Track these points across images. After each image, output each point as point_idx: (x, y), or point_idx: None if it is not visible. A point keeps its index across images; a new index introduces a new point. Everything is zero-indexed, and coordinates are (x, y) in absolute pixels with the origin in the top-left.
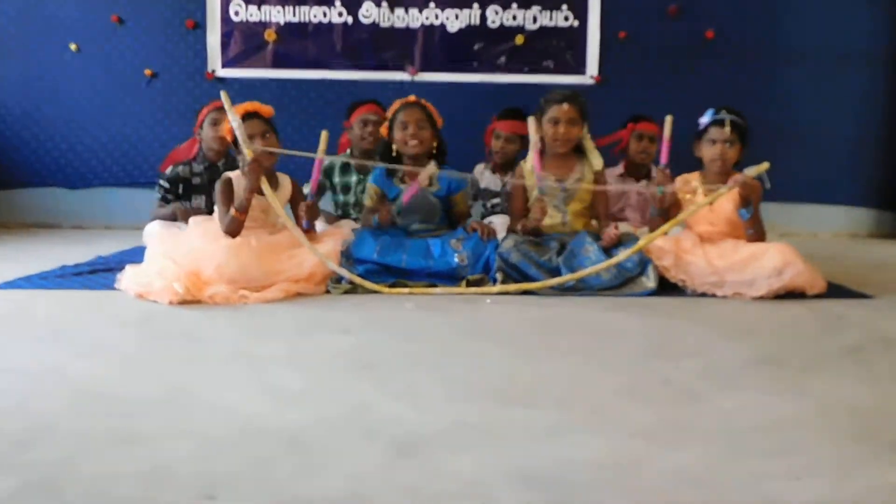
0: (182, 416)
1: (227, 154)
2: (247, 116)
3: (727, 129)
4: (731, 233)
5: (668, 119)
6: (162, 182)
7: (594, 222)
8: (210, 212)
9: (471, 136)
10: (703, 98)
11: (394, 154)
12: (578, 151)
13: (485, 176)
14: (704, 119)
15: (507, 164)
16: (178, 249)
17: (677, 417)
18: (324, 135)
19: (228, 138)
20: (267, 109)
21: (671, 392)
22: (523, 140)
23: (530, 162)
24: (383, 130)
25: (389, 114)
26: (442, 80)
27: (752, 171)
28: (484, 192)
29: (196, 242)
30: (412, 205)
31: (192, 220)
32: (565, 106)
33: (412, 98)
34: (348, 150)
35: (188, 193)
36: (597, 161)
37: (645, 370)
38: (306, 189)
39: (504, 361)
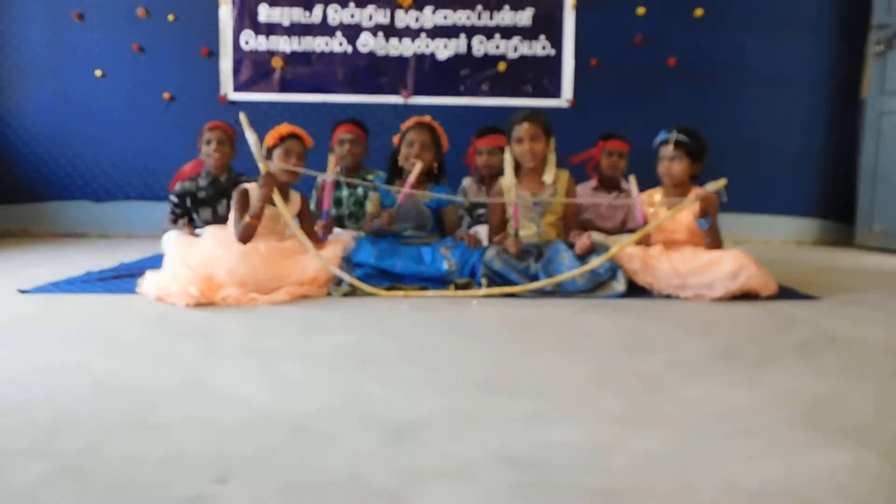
0: (197, 406)
1: (230, 169)
2: (291, 136)
3: (670, 146)
4: (691, 240)
5: (633, 179)
6: (171, 198)
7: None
8: (217, 223)
9: (459, 154)
10: (666, 119)
11: (399, 165)
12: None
13: (471, 189)
14: (657, 139)
15: (494, 176)
16: (194, 256)
17: (645, 405)
18: (331, 158)
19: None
20: (309, 139)
21: (640, 383)
22: (502, 152)
23: (508, 179)
24: (395, 140)
25: (404, 127)
26: (432, 103)
27: (711, 186)
28: (471, 204)
29: (210, 249)
30: (407, 210)
31: (206, 228)
32: (525, 125)
33: (426, 119)
34: (337, 168)
35: (195, 206)
36: (548, 175)
37: (616, 363)
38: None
39: (489, 356)
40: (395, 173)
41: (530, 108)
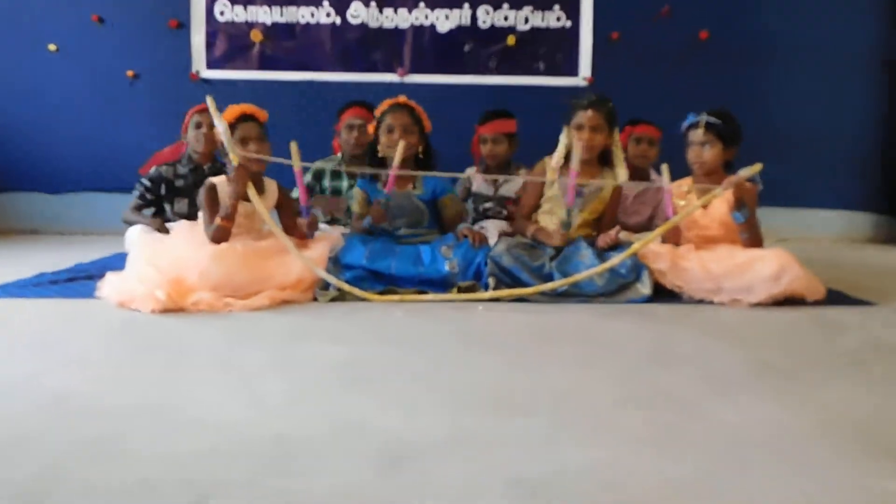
0: (165, 428)
1: (215, 157)
2: (243, 119)
3: (700, 130)
4: (726, 237)
5: (665, 169)
6: (143, 181)
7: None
8: (192, 217)
9: (461, 140)
10: (698, 99)
11: (379, 156)
12: (604, 162)
13: (476, 179)
14: (685, 123)
15: (501, 167)
16: (161, 256)
17: (673, 426)
18: (293, 146)
19: (217, 143)
20: (262, 114)
21: (667, 400)
22: (511, 140)
23: (556, 159)
24: (371, 129)
25: (377, 114)
26: (432, 81)
27: (744, 173)
28: (476, 197)
29: (179, 248)
30: (398, 204)
31: (175, 224)
32: (590, 112)
33: (401, 99)
34: (340, 155)
35: (170, 196)
36: (622, 173)
37: (641, 378)
38: (295, 194)
39: (497, 370)
40: (377, 167)
41: (595, 92)
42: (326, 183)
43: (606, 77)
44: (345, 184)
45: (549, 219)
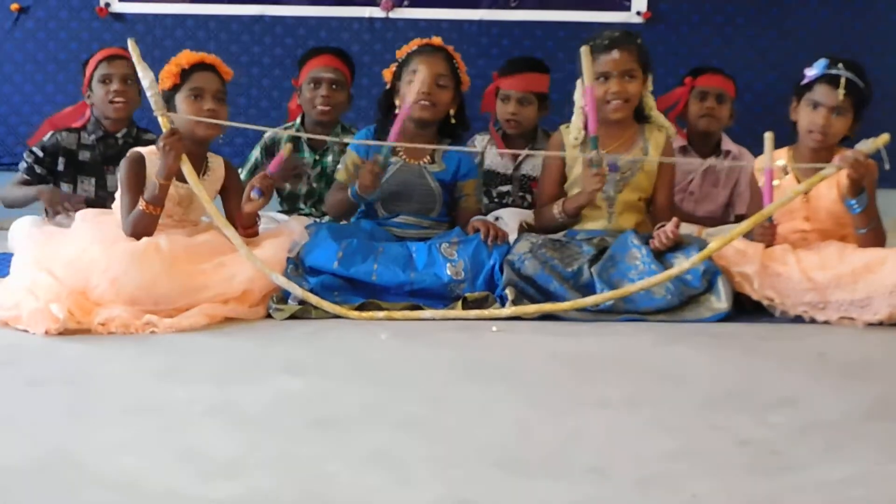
0: (64, 492)
1: (132, 123)
2: (200, 67)
3: (840, 91)
4: (836, 232)
5: (769, 137)
6: (34, 149)
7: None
8: (102, 203)
9: (469, 97)
10: (791, 43)
11: (396, 111)
12: (639, 118)
13: (489, 153)
14: (812, 72)
15: (525, 136)
16: (58, 256)
17: (759, 493)
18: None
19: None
20: (227, 70)
21: (750, 457)
22: (542, 100)
23: (576, 129)
24: (386, 75)
25: (402, 54)
26: (428, 17)
27: (865, 147)
28: (488, 176)
29: (84, 247)
30: (405, 179)
31: (79, 214)
32: (616, 53)
33: (437, 41)
34: (298, 119)
35: (71, 172)
36: (668, 127)
37: (713, 426)
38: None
39: (515, 414)
40: (389, 125)
41: (616, 25)
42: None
43: (669, 11)
44: (307, 157)
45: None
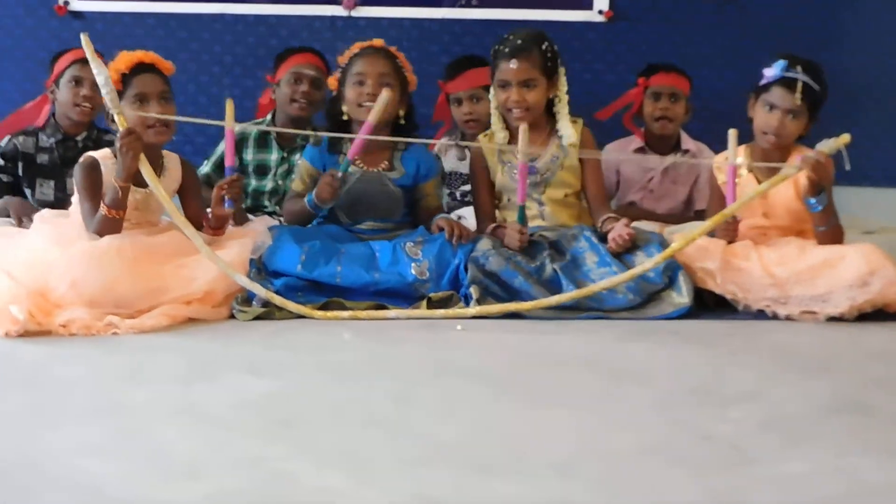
0: (24, 497)
1: (92, 125)
2: (140, 69)
3: (797, 95)
4: (794, 228)
5: (733, 134)
6: None
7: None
8: (60, 205)
9: (429, 96)
10: (749, 41)
11: (344, 118)
12: (554, 118)
13: (450, 155)
14: (770, 72)
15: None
16: (17, 257)
17: (721, 487)
18: (229, 104)
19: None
20: (166, 64)
21: (714, 452)
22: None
23: (497, 134)
24: (332, 83)
25: (344, 60)
26: (390, 15)
27: (826, 147)
28: (451, 177)
29: (43, 248)
30: (365, 188)
31: (38, 215)
32: (514, 63)
33: (377, 42)
34: (269, 115)
35: (30, 176)
36: (568, 133)
37: (677, 422)
38: (205, 168)
39: (480, 413)
40: (342, 131)
41: (526, 28)
42: (248, 156)
43: (630, 9)
44: (273, 156)
45: (514, 214)
